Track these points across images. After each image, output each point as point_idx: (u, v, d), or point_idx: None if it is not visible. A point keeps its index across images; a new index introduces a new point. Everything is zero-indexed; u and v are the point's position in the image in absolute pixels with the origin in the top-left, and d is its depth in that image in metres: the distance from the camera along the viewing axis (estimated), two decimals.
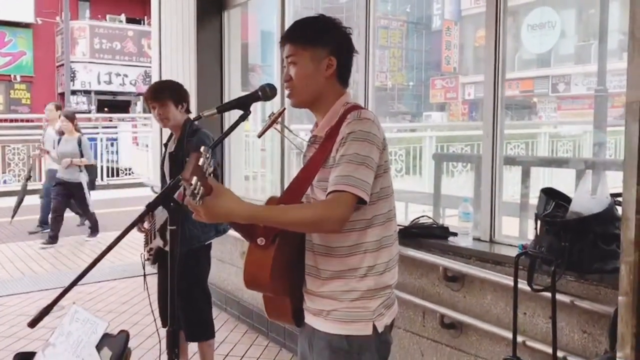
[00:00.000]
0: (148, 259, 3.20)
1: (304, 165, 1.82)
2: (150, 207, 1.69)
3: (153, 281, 3.29)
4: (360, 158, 1.64)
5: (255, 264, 1.69)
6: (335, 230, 1.66)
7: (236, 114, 1.81)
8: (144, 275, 2.76)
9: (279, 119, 1.95)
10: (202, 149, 1.43)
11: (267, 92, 1.81)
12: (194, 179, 1.38)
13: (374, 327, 1.74)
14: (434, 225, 3.10)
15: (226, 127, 3.31)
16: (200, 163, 1.40)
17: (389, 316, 1.80)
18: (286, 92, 1.84)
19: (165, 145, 3.48)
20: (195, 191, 1.39)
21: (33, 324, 1.70)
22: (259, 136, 1.96)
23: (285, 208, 1.65)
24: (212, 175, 1.46)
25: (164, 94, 3.24)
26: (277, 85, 1.87)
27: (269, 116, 1.93)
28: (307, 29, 1.82)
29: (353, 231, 1.73)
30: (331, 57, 1.78)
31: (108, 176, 14.51)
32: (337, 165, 1.66)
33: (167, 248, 3.19)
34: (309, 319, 1.82)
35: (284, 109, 2.15)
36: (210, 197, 1.48)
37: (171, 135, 3.43)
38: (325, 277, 1.76)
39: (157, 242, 3.16)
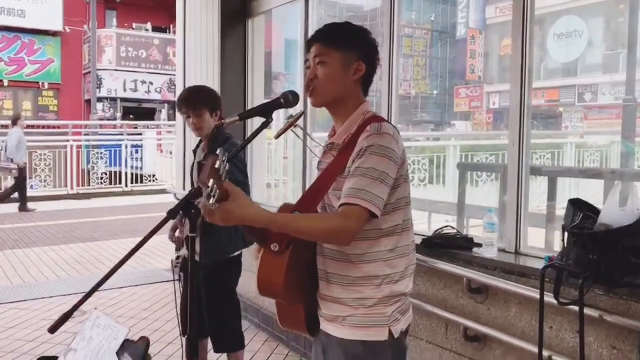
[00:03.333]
0: (176, 266, 3.21)
1: (320, 173, 1.81)
2: (171, 214, 1.68)
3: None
4: (376, 173, 1.64)
5: (269, 270, 1.67)
6: (345, 243, 1.67)
7: (259, 121, 1.80)
8: (174, 282, 2.77)
9: (297, 122, 1.93)
10: (218, 151, 1.44)
11: (289, 99, 1.80)
12: (211, 181, 1.39)
13: (390, 332, 1.73)
14: (458, 236, 3.05)
15: (249, 134, 3.31)
16: (216, 166, 1.41)
17: (404, 322, 1.79)
18: (307, 92, 1.83)
19: (194, 151, 3.43)
20: (212, 193, 1.40)
21: (53, 329, 1.70)
22: (276, 137, 1.94)
23: (298, 217, 1.65)
24: (228, 179, 1.46)
25: (200, 103, 3.15)
26: (300, 93, 1.86)
27: (288, 118, 1.91)
28: (340, 31, 1.85)
29: (365, 240, 1.72)
30: (360, 62, 1.80)
31: (132, 182, 14.68)
32: (351, 176, 1.66)
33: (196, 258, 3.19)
34: (324, 325, 1.81)
35: (303, 111, 2.13)
36: (227, 201, 1.48)
37: (200, 142, 3.38)
38: (335, 281, 1.75)
39: (185, 250, 3.16)
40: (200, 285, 3.16)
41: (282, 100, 1.80)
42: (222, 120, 1.79)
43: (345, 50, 1.79)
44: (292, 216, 1.66)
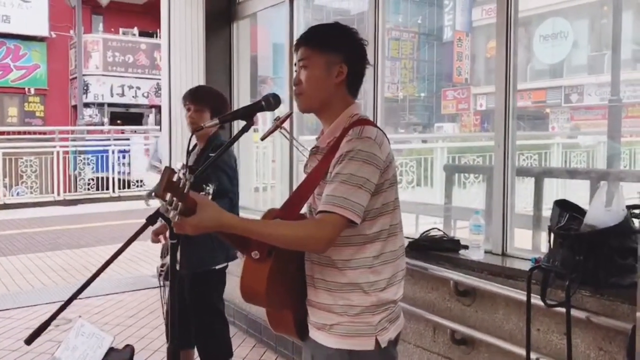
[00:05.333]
0: (160, 275, 3.16)
1: (304, 178, 1.79)
2: (150, 220, 1.65)
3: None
4: (355, 179, 1.60)
5: (251, 277, 1.66)
6: (319, 250, 1.65)
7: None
8: (160, 289, 2.74)
9: (284, 124, 1.91)
10: (178, 165, 1.44)
11: (270, 102, 1.77)
12: (168, 195, 1.38)
13: (377, 342, 1.70)
14: (445, 238, 3.03)
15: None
16: (174, 179, 1.39)
17: (393, 330, 1.76)
18: (295, 97, 1.81)
19: (189, 153, 3.34)
20: (171, 207, 1.39)
21: (30, 341, 1.62)
22: (262, 139, 1.92)
23: (271, 224, 1.63)
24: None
25: (204, 100, 3.15)
26: (288, 97, 1.84)
27: (275, 120, 1.89)
28: (322, 33, 1.81)
29: (349, 246, 1.69)
30: (342, 65, 1.75)
31: (119, 188, 14.56)
32: (330, 182, 1.63)
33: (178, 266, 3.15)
34: (313, 333, 1.78)
35: (290, 113, 2.12)
36: (195, 211, 1.47)
37: (195, 145, 3.34)
38: (322, 287, 1.72)
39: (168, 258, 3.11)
40: (185, 295, 3.13)
41: (263, 103, 1.77)
42: (203, 124, 1.76)
43: (328, 53, 1.75)
44: (265, 223, 1.65)
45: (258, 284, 1.63)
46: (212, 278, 3.23)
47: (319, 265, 1.73)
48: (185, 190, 1.42)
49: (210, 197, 2.38)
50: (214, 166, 2.95)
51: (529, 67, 16.02)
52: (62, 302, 1.64)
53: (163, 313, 2.95)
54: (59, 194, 13.60)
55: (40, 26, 18.29)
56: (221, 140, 3.19)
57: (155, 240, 3.20)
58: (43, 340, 4.38)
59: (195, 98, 3.16)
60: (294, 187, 4.38)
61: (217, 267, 3.22)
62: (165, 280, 3.18)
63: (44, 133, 16.56)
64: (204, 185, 2.60)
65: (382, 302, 1.71)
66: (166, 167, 1.42)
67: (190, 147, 3.35)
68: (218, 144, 3.16)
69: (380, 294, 1.71)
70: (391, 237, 1.75)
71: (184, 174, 1.42)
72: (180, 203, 1.40)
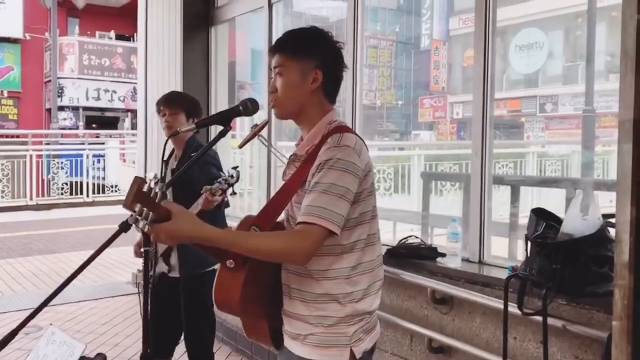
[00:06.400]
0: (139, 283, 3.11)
1: (282, 186, 1.75)
2: (124, 227, 1.61)
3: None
4: (335, 189, 1.57)
5: (225, 287, 1.63)
6: (300, 263, 1.61)
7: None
8: (138, 295, 2.69)
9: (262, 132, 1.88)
10: (151, 175, 1.44)
11: (248, 107, 1.74)
12: (137, 205, 1.37)
13: (352, 353, 1.67)
14: (422, 246, 3.03)
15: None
16: (144, 189, 1.38)
17: (369, 341, 1.73)
18: (271, 104, 1.78)
19: (166, 162, 3.30)
20: (141, 217, 1.38)
21: None
22: (240, 147, 1.89)
23: (248, 235, 1.60)
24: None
25: (178, 103, 3.16)
26: (266, 103, 1.82)
27: (252, 127, 1.86)
28: (296, 39, 1.77)
29: (327, 256, 1.66)
30: (317, 71, 1.71)
31: (94, 193, 14.36)
32: (310, 192, 1.60)
33: (172, 274, 3.09)
34: (287, 342, 1.75)
35: (268, 120, 2.09)
36: (170, 220, 1.45)
37: (172, 152, 3.31)
38: (297, 297, 1.69)
39: (162, 267, 3.06)
40: (171, 300, 3.11)
41: (241, 107, 1.74)
42: (178, 129, 1.73)
43: (302, 59, 1.71)
44: (242, 234, 1.61)
45: (233, 293, 1.61)
46: (209, 280, 3.21)
47: (295, 275, 1.70)
48: (156, 200, 1.40)
49: (231, 190, 2.45)
50: (199, 164, 2.96)
51: (505, 76, 16.20)
52: (32, 310, 1.59)
53: (144, 322, 2.91)
54: (31, 199, 13.36)
55: (14, 28, 18.03)
56: (199, 142, 3.20)
57: (139, 253, 3.14)
58: (12, 349, 4.28)
59: (169, 102, 3.16)
60: (272, 194, 4.37)
61: (214, 268, 3.20)
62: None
63: (17, 136, 16.29)
64: (217, 182, 2.62)
65: (357, 313, 1.68)
66: (135, 177, 1.40)
67: (166, 156, 3.33)
68: (197, 145, 3.17)
69: (355, 305, 1.68)
70: (369, 247, 1.72)
71: (155, 183, 1.40)
72: (151, 213, 1.39)
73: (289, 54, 1.73)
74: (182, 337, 3.24)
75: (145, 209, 1.37)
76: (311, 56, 1.71)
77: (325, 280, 1.66)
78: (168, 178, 3.19)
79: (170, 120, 3.12)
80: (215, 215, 2.88)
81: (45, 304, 1.65)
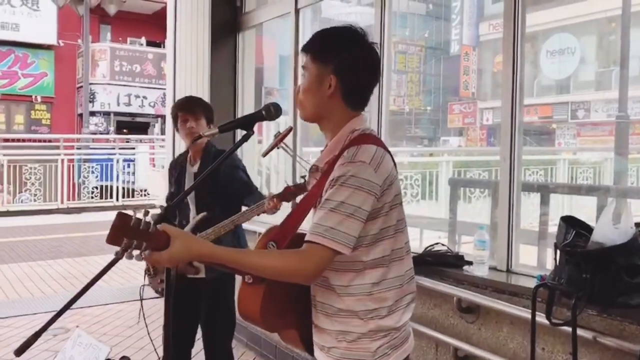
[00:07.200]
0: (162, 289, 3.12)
1: (301, 200, 1.72)
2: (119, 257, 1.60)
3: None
4: (344, 207, 1.49)
5: (245, 301, 1.64)
6: (306, 282, 1.58)
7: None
8: (141, 306, 2.73)
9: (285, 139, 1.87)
10: (143, 212, 1.39)
11: (271, 112, 1.71)
12: (124, 240, 1.35)
13: None
14: (449, 254, 2.98)
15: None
16: (131, 224, 1.35)
17: (396, 356, 1.64)
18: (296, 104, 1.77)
19: (182, 164, 3.28)
20: (130, 249, 1.36)
21: (20, 351, 1.58)
22: (264, 155, 1.88)
23: (253, 253, 1.59)
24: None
25: (199, 109, 3.17)
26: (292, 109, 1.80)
27: (275, 135, 1.85)
28: (319, 40, 1.69)
29: (349, 272, 1.60)
30: (332, 76, 1.62)
31: (123, 197, 14.56)
32: (319, 209, 1.53)
33: (199, 275, 3.01)
34: (316, 352, 1.72)
35: (291, 128, 2.07)
36: (169, 245, 1.42)
37: (182, 153, 3.31)
38: (321, 310, 1.66)
39: (186, 269, 3.05)
40: (194, 305, 3.15)
41: (263, 112, 1.71)
42: (201, 133, 1.73)
43: (320, 63, 1.64)
44: (245, 253, 1.61)
45: (253, 306, 1.61)
46: (233, 281, 3.22)
47: (320, 288, 1.65)
48: (149, 229, 1.37)
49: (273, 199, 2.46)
50: (228, 169, 2.97)
51: (536, 82, 16.00)
52: (55, 313, 1.60)
53: (147, 326, 2.95)
54: (62, 202, 13.60)
55: (48, 34, 18.38)
56: (217, 148, 3.20)
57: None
58: (40, 350, 4.34)
59: (192, 108, 3.16)
60: (295, 203, 4.36)
61: None
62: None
63: (50, 141, 16.61)
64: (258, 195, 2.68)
65: (381, 329, 1.61)
66: (118, 213, 1.37)
67: (175, 176, 3.29)
68: (215, 151, 3.17)
69: (379, 322, 1.61)
70: (395, 262, 1.64)
71: (144, 214, 1.37)
72: (144, 243, 1.36)
73: (311, 55, 1.67)
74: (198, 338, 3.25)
75: (135, 241, 1.35)
76: (328, 60, 1.63)
77: (347, 296, 1.61)
78: (188, 182, 3.20)
79: (194, 126, 3.11)
80: (237, 232, 2.99)
81: (67, 307, 1.64)
